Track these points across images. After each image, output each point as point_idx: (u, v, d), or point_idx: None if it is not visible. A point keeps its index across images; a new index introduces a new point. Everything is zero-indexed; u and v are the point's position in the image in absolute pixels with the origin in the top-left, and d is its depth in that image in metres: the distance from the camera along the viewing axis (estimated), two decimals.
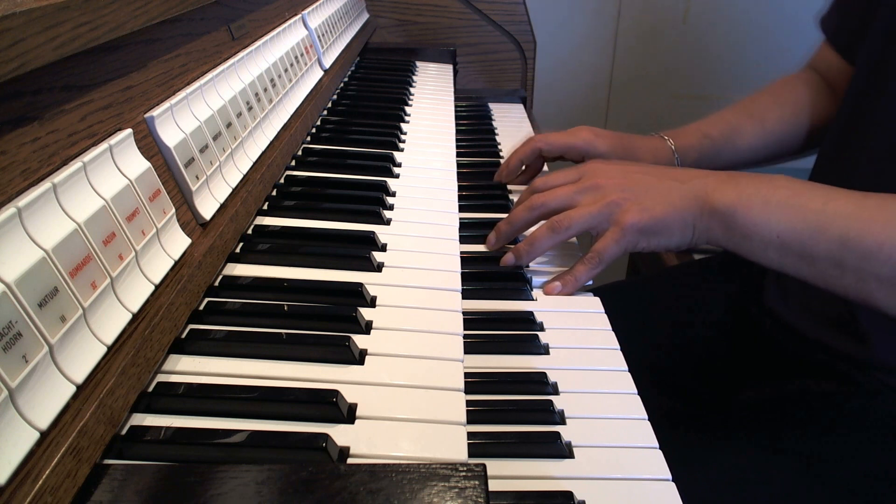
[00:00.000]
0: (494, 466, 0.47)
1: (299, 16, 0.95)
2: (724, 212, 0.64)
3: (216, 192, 0.58)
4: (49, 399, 0.34)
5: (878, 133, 0.75)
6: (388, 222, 0.71)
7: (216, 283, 0.56)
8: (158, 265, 0.47)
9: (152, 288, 0.45)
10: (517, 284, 0.69)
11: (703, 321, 0.96)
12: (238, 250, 0.61)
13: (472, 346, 0.58)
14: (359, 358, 0.49)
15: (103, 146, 0.44)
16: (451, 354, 0.51)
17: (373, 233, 0.66)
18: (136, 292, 0.44)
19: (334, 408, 0.43)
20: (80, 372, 0.37)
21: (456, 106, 1.15)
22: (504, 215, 0.75)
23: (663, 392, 0.89)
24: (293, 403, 0.43)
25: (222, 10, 0.70)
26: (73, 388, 0.36)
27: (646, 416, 0.52)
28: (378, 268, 0.61)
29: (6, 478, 0.30)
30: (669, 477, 0.47)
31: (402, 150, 0.91)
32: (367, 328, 0.53)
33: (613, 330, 0.63)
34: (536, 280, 0.70)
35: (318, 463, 0.39)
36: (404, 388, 0.47)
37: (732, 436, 0.72)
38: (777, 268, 0.64)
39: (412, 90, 1.19)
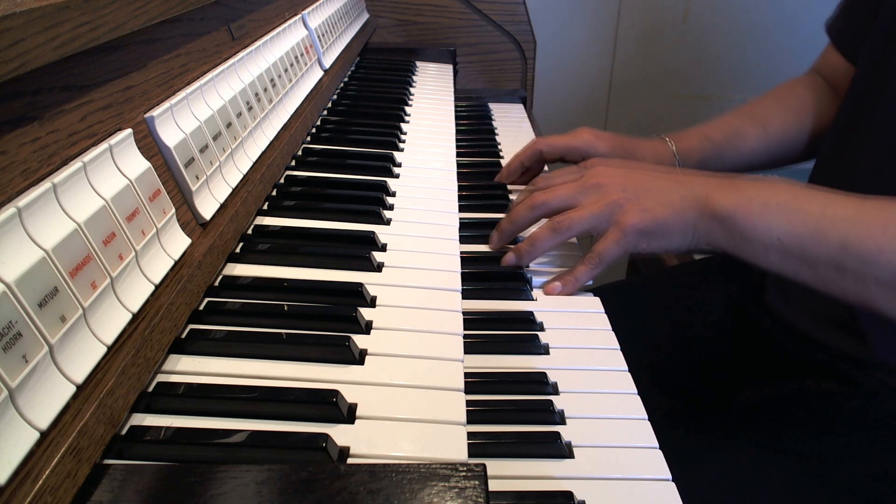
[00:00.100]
0: (494, 466, 0.47)
1: (299, 16, 0.95)
2: (725, 215, 0.64)
3: (216, 192, 0.58)
4: (49, 399, 0.34)
5: (879, 133, 0.75)
6: (388, 222, 0.71)
7: (216, 283, 0.56)
8: (158, 265, 0.47)
9: (152, 288, 0.45)
10: (517, 284, 0.69)
11: (703, 321, 0.96)
12: (238, 250, 0.61)
13: (472, 346, 0.58)
14: (359, 358, 0.49)
15: (103, 146, 0.44)
16: (451, 354, 0.51)
17: (373, 233, 0.66)
18: (136, 292, 0.44)
19: (334, 408, 0.43)
20: (80, 372, 0.37)
21: (456, 106, 1.15)
22: (504, 215, 0.75)
23: (663, 392, 0.89)
24: (293, 403, 0.43)
25: (222, 10, 0.70)
26: (73, 388, 0.36)
27: (646, 416, 0.52)
28: (378, 268, 0.61)
29: (6, 478, 0.30)
30: (669, 477, 0.47)
31: (402, 150, 0.91)
32: (367, 328, 0.53)
33: (613, 330, 0.63)
34: (536, 280, 0.70)
35: (318, 463, 0.39)
36: (404, 388, 0.47)
37: (732, 436, 0.72)
38: (778, 271, 0.64)
39: (412, 90, 1.19)
